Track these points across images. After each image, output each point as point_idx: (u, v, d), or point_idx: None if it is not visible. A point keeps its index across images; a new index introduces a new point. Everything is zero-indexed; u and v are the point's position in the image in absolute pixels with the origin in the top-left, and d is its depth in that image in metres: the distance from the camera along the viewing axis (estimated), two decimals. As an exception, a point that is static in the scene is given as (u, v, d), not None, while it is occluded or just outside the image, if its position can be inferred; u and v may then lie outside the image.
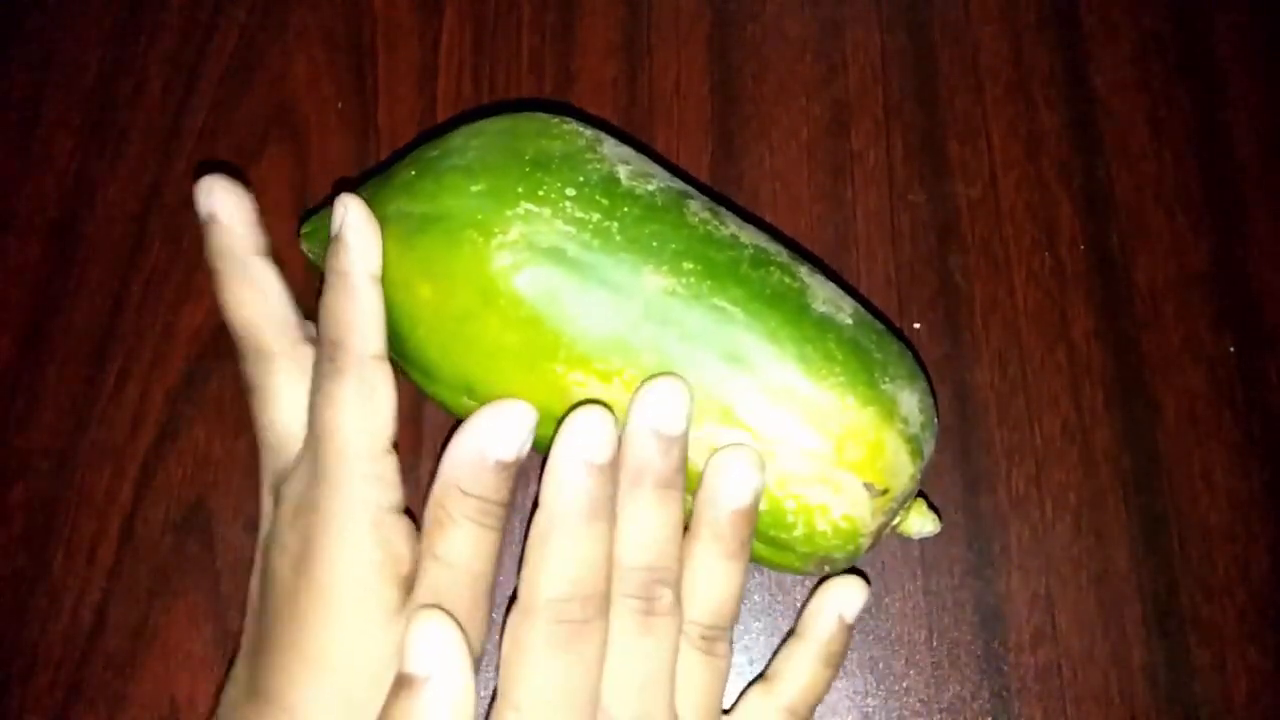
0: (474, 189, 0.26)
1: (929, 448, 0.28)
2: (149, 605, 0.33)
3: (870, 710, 0.33)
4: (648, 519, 0.25)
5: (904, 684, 0.33)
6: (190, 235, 0.37)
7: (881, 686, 0.33)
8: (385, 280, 0.27)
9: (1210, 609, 0.33)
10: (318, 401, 0.26)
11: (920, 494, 0.31)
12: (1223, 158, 0.38)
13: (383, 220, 0.27)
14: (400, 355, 0.28)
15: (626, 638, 0.25)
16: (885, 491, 0.26)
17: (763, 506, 0.26)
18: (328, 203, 0.28)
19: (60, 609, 0.33)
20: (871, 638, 0.33)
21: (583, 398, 0.26)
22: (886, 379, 0.26)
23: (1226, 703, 0.32)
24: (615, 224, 0.26)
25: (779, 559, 0.28)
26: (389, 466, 0.26)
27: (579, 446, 0.25)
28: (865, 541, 0.27)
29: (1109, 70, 0.39)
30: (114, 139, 0.38)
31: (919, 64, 0.39)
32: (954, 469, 0.34)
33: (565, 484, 0.25)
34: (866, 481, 0.26)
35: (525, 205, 0.26)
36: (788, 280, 0.27)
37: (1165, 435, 0.35)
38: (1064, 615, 0.33)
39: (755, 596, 0.34)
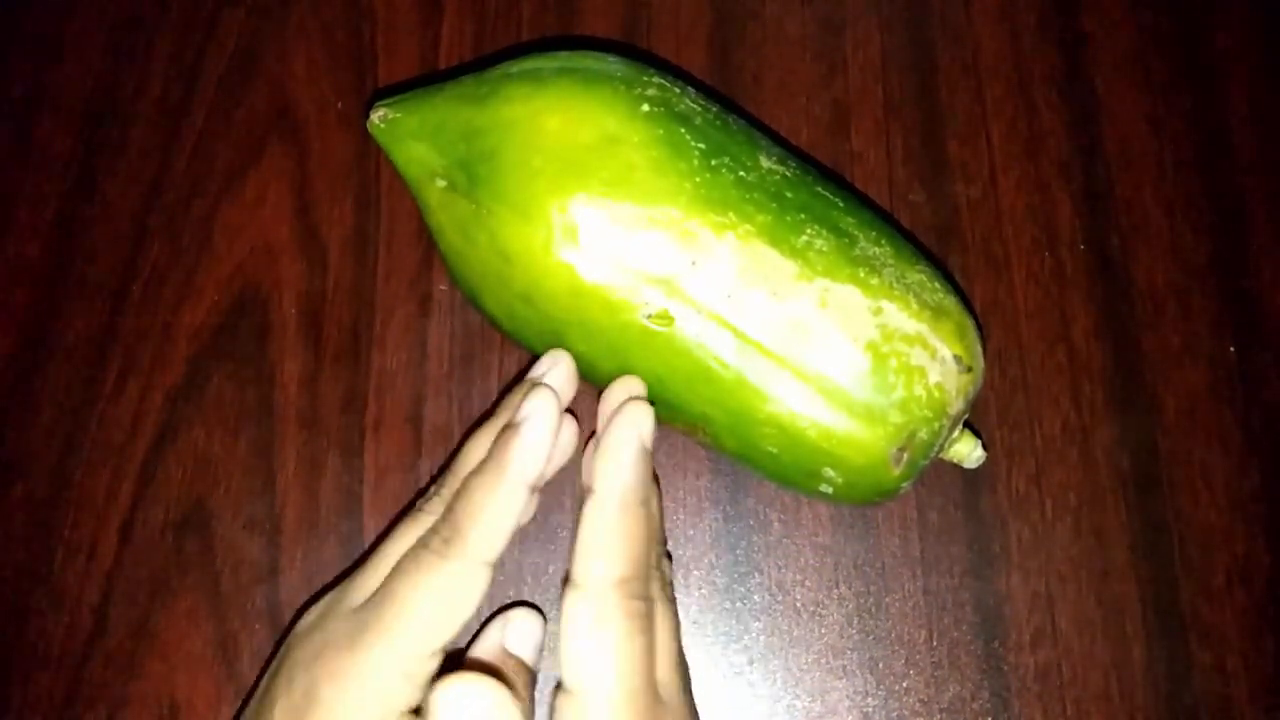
0: (609, 60, 0.29)
1: (981, 370, 0.29)
2: (149, 605, 0.33)
3: (870, 710, 0.33)
4: (654, 503, 0.27)
5: (904, 684, 0.33)
6: (190, 235, 0.37)
7: (881, 686, 0.33)
8: (503, 119, 0.28)
9: (1210, 609, 0.33)
10: (407, 569, 0.26)
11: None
12: (1223, 158, 0.38)
13: (503, 78, 0.29)
14: (497, 185, 0.27)
15: (660, 608, 0.26)
16: (969, 370, 0.28)
17: (866, 364, 0.26)
18: (402, 88, 0.30)
19: (60, 609, 0.33)
20: (871, 638, 0.33)
21: (696, 248, 0.26)
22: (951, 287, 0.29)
23: (1226, 703, 0.32)
24: (730, 119, 0.29)
25: (867, 439, 0.27)
26: (428, 669, 0.26)
27: (635, 430, 0.26)
28: (947, 422, 0.28)
29: (1109, 70, 0.39)
30: (114, 139, 0.38)
31: (919, 64, 0.39)
32: (954, 469, 0.34)
33: (625, 467, 0.25)
34: (956, 354, 0.27)
35: (658, 79, 0.29)
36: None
37: (1165, 435, 0.35)
38: (1064, 615, 0.33)
39: (755, 597, 0.34)
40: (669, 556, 0.32)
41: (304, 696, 0.25)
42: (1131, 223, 0.37)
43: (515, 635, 0.29)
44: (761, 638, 0.33)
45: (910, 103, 0.39)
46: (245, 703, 0.29)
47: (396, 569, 0.26)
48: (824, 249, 0.27)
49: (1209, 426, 0.35)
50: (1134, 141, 0.38)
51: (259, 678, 0.30)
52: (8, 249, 0.37)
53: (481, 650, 0.28)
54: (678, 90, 0.29)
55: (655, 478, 0.28)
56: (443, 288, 0.37)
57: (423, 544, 0.26)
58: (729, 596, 0.34)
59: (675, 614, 0.27)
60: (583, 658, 0.24)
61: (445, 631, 0.25)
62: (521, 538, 0.34)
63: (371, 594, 0.27)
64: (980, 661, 0.33)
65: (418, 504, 0.29)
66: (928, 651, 0.33)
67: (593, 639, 0.24)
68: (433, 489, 0.29)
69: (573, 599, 0.25)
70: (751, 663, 0.33)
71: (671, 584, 0.28)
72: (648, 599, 0.25)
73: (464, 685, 0.23)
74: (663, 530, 0.28)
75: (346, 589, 0.28)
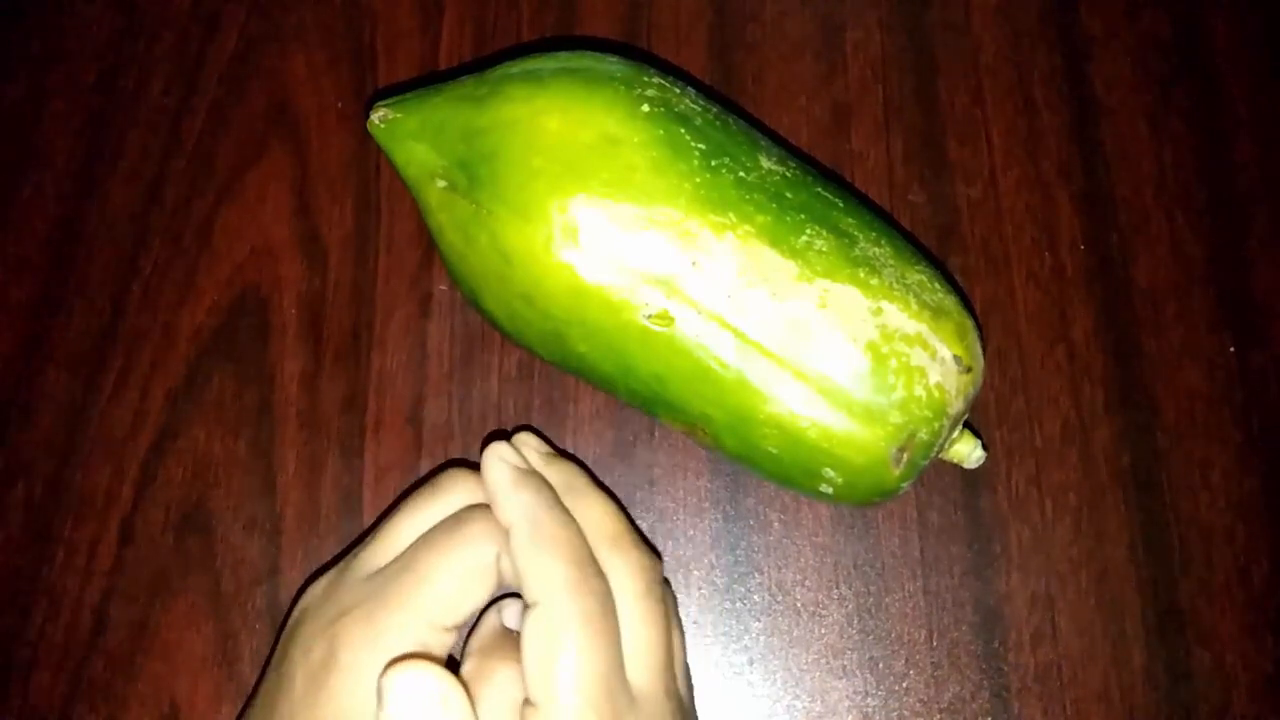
0: (609, 60, 0.29)
1: (980, 370, 0.29)
2: (149, 605, 0.33)
3: (870, 710, 0.33)
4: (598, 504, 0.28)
5: (904, 684, 0.33)
6: (190, 235, 0.37)
7: (881, 686, 0.33)
8: (503, 120, 0.28)
9: (1210, 609, 0.33)
10: (436, 542, 0.27)
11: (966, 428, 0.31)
12: (1223, 158, 0.38)
13: (503, 79, 0.29)
14: (497, 186, 0.27)
15: (629, 602, 0.26)
16: (969, 370, 0.28)
17: (866, 364, 0.26)
18: (402, 88, 0.31)
19: (60, 609, 0.33)
20: (871, 638, 0.33)
21: (696, 248, 0.27)
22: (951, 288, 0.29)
23: (1226, 703, 0.32)
24: (730, 120, 0.29)
25: (867, 439, 0.27)
26: (443, 643, 0.26)
27: (498, 462, 0.27)
28: (947, 422, 0.28)
29: (1109, 70, 0.39)
30: (114, 139, 0.38)
31: (919, 64, 0.39)
32: (954, 469, 0.34)
33: (510, 494, 0.27)
34: (956, 354, 0.27)
35: (658, 79, 0.29)
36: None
37: (1165, 435, 0.35)
38: (1064, 615, 0.33)
39: (755, 597, 0.34)
40: (658, 555, 0.31)
41: (323, 662, 0.25)
42: (1131, 223, 0.37)
43: (511, 613, 0.29)
44: (761, 638, 0.33)
45: (910, 103, 0.39)
46: (256, 689, 0.29)
47: (424, 540, 0.27)
48: (824, 249, 0.27)
49: (1209, 426, 0.35)
50: (1134, 141, 0.38)
51: (268, 658, 0.30)
52: (8, 249, 0.37)
53: (482, 633, 0.28)
54: (678, 90, 0.29)
55: (604, 483, 0.30)
56: (443, 288, 0.37)
57: (454, 518, 0.27)
58: (729, 596, 0.34)
59: (660, 614, 0.27)
60: (539, 668, 0.24)
61: (465, 606, 0.26)
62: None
63: (386, 564, 0.27)
64: (980, 661, 0.33)
65: (431, 485, 0.29)
66: (928, 651, 0.33)
67: (547, 648, 0.25)
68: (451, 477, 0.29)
69: (527, 616, 0.25)
70: (751, 663, 0.33)
71: (657, 583, 0.27)
72: (603, 595, 0.25)
73: (414, 673, 0.23)
74: (618, 523, 0.28)
75: (355, 560, 0.28)
